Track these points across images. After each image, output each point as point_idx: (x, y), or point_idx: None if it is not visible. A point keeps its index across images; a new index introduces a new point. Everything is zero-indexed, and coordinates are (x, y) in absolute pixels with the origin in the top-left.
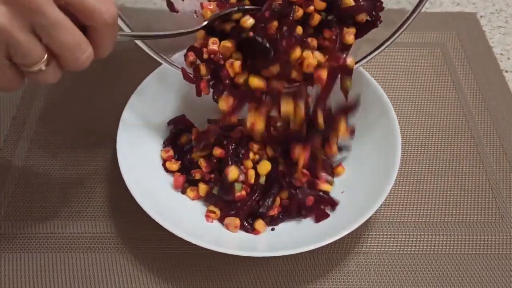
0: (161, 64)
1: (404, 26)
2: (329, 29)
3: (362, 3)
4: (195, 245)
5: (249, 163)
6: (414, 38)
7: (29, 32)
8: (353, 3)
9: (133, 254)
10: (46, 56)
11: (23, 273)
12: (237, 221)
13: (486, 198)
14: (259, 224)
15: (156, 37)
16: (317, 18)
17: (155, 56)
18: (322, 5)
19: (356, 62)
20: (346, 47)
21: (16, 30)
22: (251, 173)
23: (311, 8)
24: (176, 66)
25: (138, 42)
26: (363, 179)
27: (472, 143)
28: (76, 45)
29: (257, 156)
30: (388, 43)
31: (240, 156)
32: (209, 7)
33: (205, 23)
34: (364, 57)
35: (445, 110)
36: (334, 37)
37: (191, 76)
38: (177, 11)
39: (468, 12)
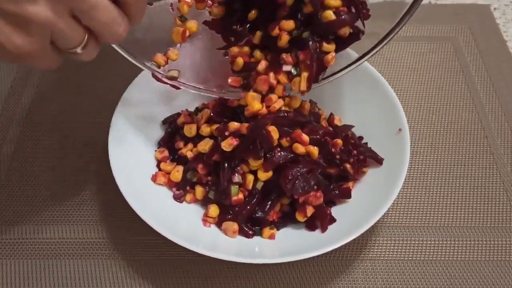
0: None
1: (406, 19)
2: (303, 49)
3: (344, 16)
4: (191, 251)
5: (246, 167)
6: (423, 31)
7: (70, 17)
8: (334, 17)
9: (125, 261)
10: (86, 36)
11: (7, 280)
12: (235, 226)
13: (500, 201)
14: (266, 232)
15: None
16: (285, 38)
17: (130, 59)
18: (290, 25)
19: (360, 58)
20: (323, 68)
21: (58, 19)
22: (250, 177)
23: (276, 31)
24: (150, 68)
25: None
26: (370, 181)
27: (486, 143)
28: (114, 21)
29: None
30: (390, 37)
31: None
32: (186, 0)
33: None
34: (367, 53)
35: (456, 108)
36: (308, 62)
37: (162, 78)
38: (151, 4)
39: (481, 4)
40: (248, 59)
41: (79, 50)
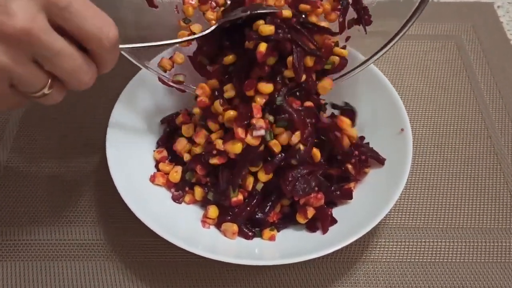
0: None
1: (413, 19)
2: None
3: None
4: (190, 252)
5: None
6: (426, 30)
7: (31, 63)
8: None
9: (123, 263)
10: (49, 81)
11: (3, 283)
12: (234, 227)
13: (504, 202)
14: (266, 233)
15: (156, 46)
16: (259, 102)
17: (134, 61)
18: (268, 89)
19: (367, 60)
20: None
21: (17, 66)
22: (250, 179)
23: (251, 92)
24: (154, 71)
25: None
26: (371, 182)
27: (489, 143)
28: (78, 69)
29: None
30: (398, 37)
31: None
32: (191, 2)
33: (214, 27)
34: (374, 54)
35: (459, 107)
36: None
37: (168, 82)
38: (156, 6)
39: (484, 2)
40: (210, 103)
41: (41, 94)
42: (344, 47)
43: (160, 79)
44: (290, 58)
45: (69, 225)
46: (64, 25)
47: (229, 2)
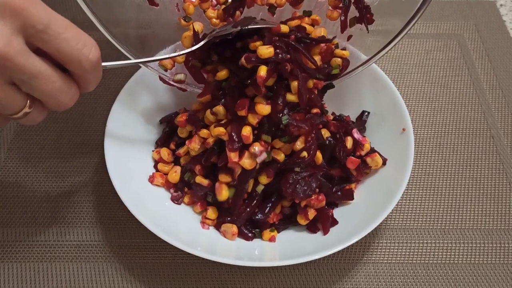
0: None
1: (417, 16)
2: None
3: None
4: (189, 253)
5: None
6: (428, 28)
7: (8, 86)
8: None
9: (122, 264)
10: (28, 102)
11: (1, 285)
12: (234, 228)
13: (507, 203)
14: (267, 234)
15: (146, 62)
16: (252, 121)
17: (132, 58)
18: (265, 111)
19: (369, 59)
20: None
21: None
22: (250, 181)
23: (242, 113)
24: (155, 70)
25: (115, 43)
26: (373, 183)
27: (492, 143)
28: (57, 91)
29: None
30: (400, 36)
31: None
32: (191, 0)
33: (202, 43)
34: (376, 53)
35: (462, 107)
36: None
37: (169, 81)
38: (157, 5)
39: (487, 0)
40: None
41: (21, 115)
42: (344, 48)
43: (161, 78)
44: (294, 84)
45: (67, 226)
46: (43, 47)
47: (230, 0)
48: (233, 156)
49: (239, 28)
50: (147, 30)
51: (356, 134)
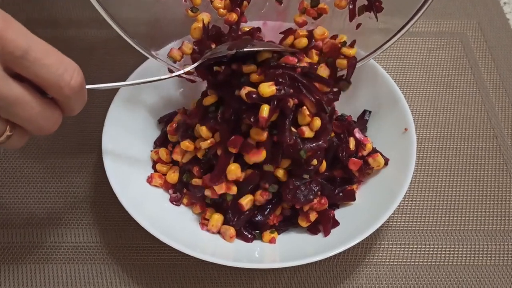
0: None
1: (419, 14)
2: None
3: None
4: (188, 255)
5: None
6: (430, 27)
7: None
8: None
9: (120, 266)
10: (8, 127)
11: None
12: (231, 230)
13: (510, 204)
14: (267, 236)
15: (135, 84)
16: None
17: (141, 51)
18: (260, 157)
19: (368, 55)
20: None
21: None
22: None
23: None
24: (163, 61)
25: (122, 35)
26: (374, 183)
27: (495, 143)
28: (38, 117)
29: None
30: (402, 32)
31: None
32: None
33: (196, 64)
34: (376, 50)
35: (464, 106)
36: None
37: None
38: None
39: None
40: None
41: (1, 140)
42: (353, 43)
43: (170, 70)
44: (317, 122)
45: (64, 227)
46: (21, 72)
47: None
48: (217, 189)
49: (234, 51)
50: (155, 29)
51: (358, 134)
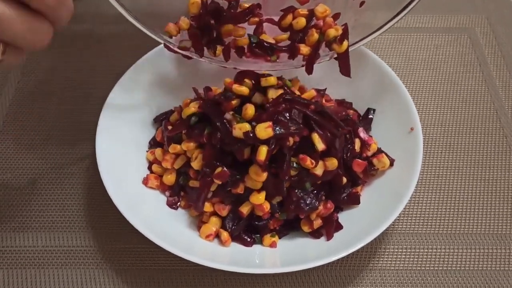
0: (146, 52)
1: (406, 10)
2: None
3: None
4: (185, 260)
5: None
6: (438, 22)
7: None
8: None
9: (114, 270)
10: (0, 46)
11: None
12: (225, 234)
13: None
14: (267, 239)
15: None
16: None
17: (140, 26)
18: (261, 177)
19: (350, 46)
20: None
21: None
22: None
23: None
24: (160, 36)
25: (118, 7)
26: (379, 185)
27: (505, 142)
28: (26, 32)
29: None
30: (385, 27)
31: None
32: None
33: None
34: (357, 42)
35: (473, 105)
36: None
37: (174, 48)
38: None
39: None
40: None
41: None
42: (345, 35)
43: (166, 46)
44: (334, 161)
45: (56, 230)
46: None
47: None
48: (207, 208)
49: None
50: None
51: (362, 134)
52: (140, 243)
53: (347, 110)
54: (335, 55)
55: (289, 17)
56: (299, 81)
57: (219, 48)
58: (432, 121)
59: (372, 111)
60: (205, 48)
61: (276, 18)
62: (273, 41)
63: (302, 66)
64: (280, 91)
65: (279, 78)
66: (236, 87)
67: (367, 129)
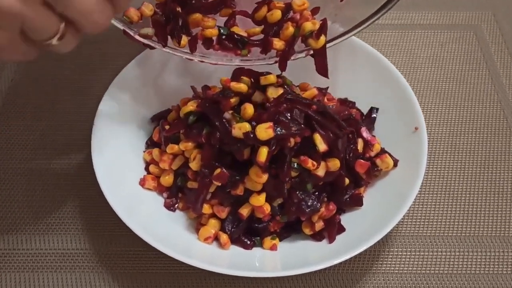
0: (142, 51)
1: (390, 5)
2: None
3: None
4: (184, 263)
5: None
6: (443, 19)
7: (41, 6)
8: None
9: (110, 274)
10: (62, 25)
11: None
12: (224, 237)
13: None
14: (267, 242)
15: None
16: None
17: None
18: (261, 179)
19: (328, 42)
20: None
21: (27, 9)
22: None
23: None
24: (118, 22)
25: None
26: (382, 186)
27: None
28: (94, 10)
29: None
30: (368, 22)
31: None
32: None
33: None
34: (336, 38)
35: (479, 104)
36: None
37: (135, 36)
38: None
39: None
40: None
41: (54, 41)
42: (320, 21)
43: (125, 33)
44: (336, 163)
45: (51, 233)
46: None
47: None
48: (206, 210)
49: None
50: None
51: (365, 133)
52: (137, 246)
53: (350, 109)
54: (311, 52)
55: (264, 9)
56: (309, 84)
57: (185, 38)
58: (437, 121)
59: (375, 110)
60: (169, 37)
61: (250, 11)
62: (245, 34)
63: (276, 62)
64: (280, 90)
65: (278, 76)
66: (234, 85)
67: (370, 128)
